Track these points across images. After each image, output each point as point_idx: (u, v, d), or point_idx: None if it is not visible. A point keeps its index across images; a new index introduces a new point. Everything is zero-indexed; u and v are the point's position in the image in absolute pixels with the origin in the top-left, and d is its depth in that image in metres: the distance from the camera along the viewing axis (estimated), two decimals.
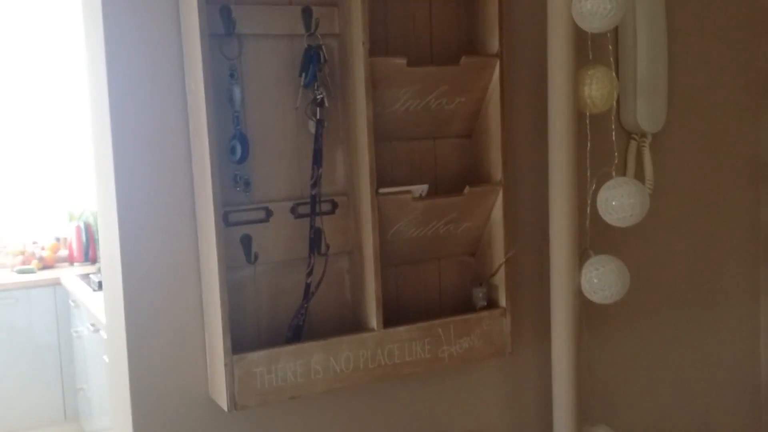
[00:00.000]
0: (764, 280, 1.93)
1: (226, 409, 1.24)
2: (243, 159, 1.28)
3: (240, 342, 1.27)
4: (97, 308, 3.08)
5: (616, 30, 1.60)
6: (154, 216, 1.26)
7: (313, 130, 1.33)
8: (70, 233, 4.16)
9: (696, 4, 1.75)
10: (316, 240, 1.35)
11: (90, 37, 1.33)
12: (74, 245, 4.15)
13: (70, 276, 3.81)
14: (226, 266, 1.24)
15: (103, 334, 2.94)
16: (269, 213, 1.33)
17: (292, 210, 1.35)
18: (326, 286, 1.37)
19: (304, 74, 1.32)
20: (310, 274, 1.34)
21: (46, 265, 4.08)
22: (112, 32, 1.21)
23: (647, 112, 1.63)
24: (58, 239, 4.23)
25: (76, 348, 3.78)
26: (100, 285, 3.45)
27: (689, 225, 1.80)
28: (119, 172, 1.24)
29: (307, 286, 1.34)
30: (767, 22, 1.84)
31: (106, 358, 2.80)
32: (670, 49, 1.67)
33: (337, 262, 1.39)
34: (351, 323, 1.40)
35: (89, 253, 4.16)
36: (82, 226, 4.14)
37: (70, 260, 4.17)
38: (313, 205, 1.34)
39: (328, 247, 1.36)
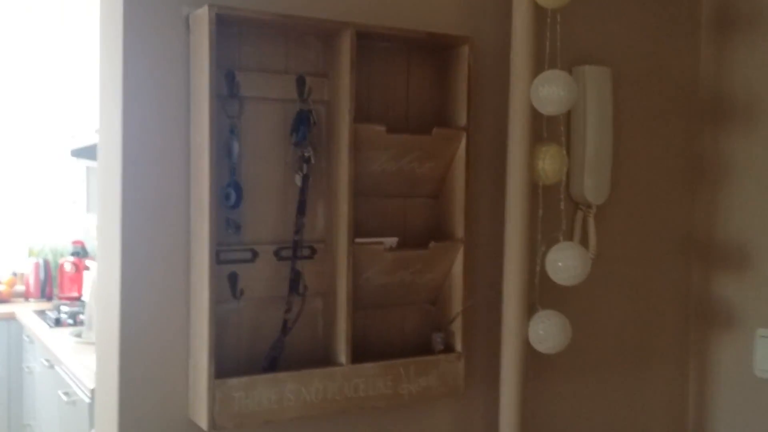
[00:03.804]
0: (693, 345, 2.12)
1: (205, 429, 1.36)
2: (236, 205, 1.43)
3: (221, 369, 1.40)
4: (53, 344, 3.13)
5: (568, 113, 1.81)
6: (153, 252, 1.40)
7: (299, 183, 1.49)
8: (28, 269, 4.19)
9: (641, 93, 1.98)
10: (295, 281, 1.49)
11: (106, 89, 1.48)
12: (31, 281, 4.17)
13: (26, 311, 3.84)
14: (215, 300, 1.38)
15: (59, 369, 2.98)
16: (255, 254, 1.48)
17: (276, 253, 1.50)
18: (302, 323, 1.51)
19: (295, 134, 1.49)
20: (288, 311, 1.48)
21: (1, 300, 4.10)
22: (130, 87, 1.38)
23: (593, 186, 1.83)
24: (15, 274, 4.25)
25: (26, 383, 3.78)
26: (56, 322, 3.49)
27: (626, 289, 2.00)
28: (126, 209, 1.38)
29: (285, 322, 1.48)
30: (705, 112, 2.08)
31: (60, 394, 2.85)
32: (616, 131, 1.89)
33: (312, 302, 1.54)
34: (322, 358, 1.54)
35: (46, 289, 4.18)
36: (41, 262, 4.17)
37: (26, 296, 4.18)
38: (295, 250, 1.49)
39: (306, 288, 1.50)
